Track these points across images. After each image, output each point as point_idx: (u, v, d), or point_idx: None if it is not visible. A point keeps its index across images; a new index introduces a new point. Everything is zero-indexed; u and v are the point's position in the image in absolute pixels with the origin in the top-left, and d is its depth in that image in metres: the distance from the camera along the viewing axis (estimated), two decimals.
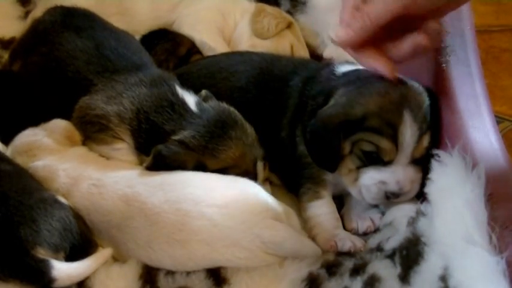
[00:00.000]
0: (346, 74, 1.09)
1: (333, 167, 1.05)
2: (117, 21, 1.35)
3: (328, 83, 1.10)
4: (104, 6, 1.44)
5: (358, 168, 1.03)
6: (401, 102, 0.99)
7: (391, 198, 1.02)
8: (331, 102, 1.04)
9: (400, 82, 1.02)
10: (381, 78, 1.01)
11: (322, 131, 1.02)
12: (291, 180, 1.14)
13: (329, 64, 1.19)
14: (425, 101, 1.02)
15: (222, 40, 1.50)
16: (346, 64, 1.14)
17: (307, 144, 1.07)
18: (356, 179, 1.03)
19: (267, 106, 1.17)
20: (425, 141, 1.00)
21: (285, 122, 1.14)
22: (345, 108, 1.01)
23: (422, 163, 1.01)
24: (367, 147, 1.00)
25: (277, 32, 1.48)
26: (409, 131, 0.98)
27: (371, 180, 1.01)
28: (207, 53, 1.46)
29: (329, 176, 1.09)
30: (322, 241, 1.03)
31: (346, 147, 1.02)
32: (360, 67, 1.08)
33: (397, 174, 1.00)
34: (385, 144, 0.98)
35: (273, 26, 1.47)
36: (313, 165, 1.09)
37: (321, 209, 1.08)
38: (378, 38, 0.97)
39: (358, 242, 1.02)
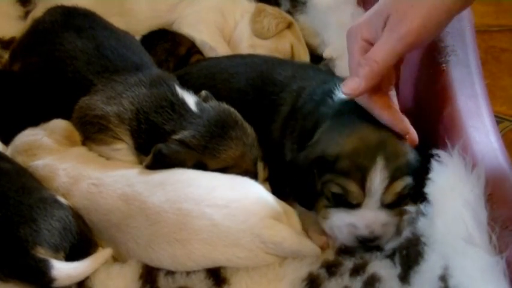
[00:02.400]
0: (341, 104, 1.06)
1: (310, 205, 1.03)
2: (117, 22, 1.35)
3: (320, 106, 1.08)
4: (104, 7, 1.44)
5: (328, 208, 1.00)
6: (377, 147, 0.96)
7: (364, 242, 0.98)
8: (315, 137, 1.03)
9: (387, 128, 0.99)
10: (369, 117, 0.99)
11: (298, 168, 1.02)
12: (276, 181, 1.13)
13: (331, 79, 1.16)
14: (407, 151, 0.98)
15: (223, 40, 1.50)
16: None
17: (287, 179, 1.07)
18: (328, 218, 1.00)
19: (262, 110, 1.16)
20: (398, 187, 0.96)
21: (276, 128, 1.14)
22: (322, 146, 1.00)
23: (400, 205, 0.98)
24: (335, 189, 0.98)
25: (277, 32, 1.48)
26: (378, 177, 0.95)
27: (341, 222, 0.98)
28: (208, 53, 1.46)
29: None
30: (314, 237, 1.03)
31: (318, 186, 1.00)
32: None
33: (366, 218, 0.97)
34: (352, 187, 0.96)
35: (273, 26, 1.47)
36: None
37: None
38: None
39: None
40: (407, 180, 0.97)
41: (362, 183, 0.95)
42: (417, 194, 0.98)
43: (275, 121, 1.14)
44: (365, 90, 0.96)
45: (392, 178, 0.96)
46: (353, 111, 1.02)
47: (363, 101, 1.00)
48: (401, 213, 0.98)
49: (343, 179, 0.96)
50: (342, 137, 0.99)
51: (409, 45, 0.92)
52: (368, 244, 0.98)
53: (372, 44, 0.96)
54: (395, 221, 0.98)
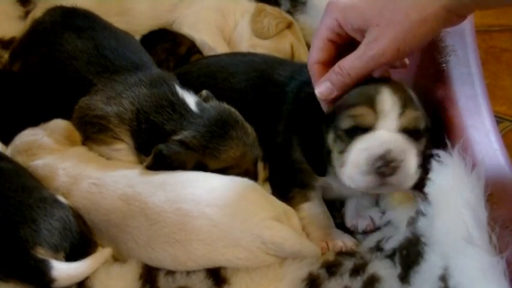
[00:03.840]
0: None
1: (323, 168, 1.01)
2: (117, 22, 1.35)
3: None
4: (104, 7, 1.44)
5: (343, 153, 0.96)
6: (379, 85, 0.96)
7: (384, 171, 0.91)
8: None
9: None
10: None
11: (308, 129, 1.02)
12: (280, 185, 1.13)
13: None
14: (413, 94, 0.98)
15: (222, 40, 1.50)
16: None
17: (302, 147, 1.05)
18: (344, 164, 0.96)
19: (263, 110, 1.16)
20: (413, 113, 0.94)
21: (280, 129, 1.13)
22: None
23: (417, 139, 0.95)
24: (346, 124, 0.95)
25: (277, 32, 1.48)
26: (389, 99, 0.93)
27: (356, 153, 0.93)
28: (207, 52, 1.46)
29: (319, 182, 1.09)
30: (315, 241, 1.03)
31: (329, 138, 0.99)
32: None
33: (380, 136, 0.93)
34: (362, 110, 0.94)
35: (273, 26, 1.47)
36: (305, 172, 1.07)
37: (311, 210, 1.08)
38: None
39: (349, 241, 1.02)
40: (421, 114, 0.96)
41: (372, 106, 0.94)
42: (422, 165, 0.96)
43: (279, 122, 1.14)
44: (337, 97, 0.98)
45: (405, 104, 0.94)
46: None
47: (310, 70, 1.01)
48: (417, 150, 0.94)
49: (351, 109, 0.95)
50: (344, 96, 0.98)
51: (382, 64, 0.93)
52: (387, 173, 0.91)
53: (339, 33, 0.97)
54: (415, 151, 0.93)
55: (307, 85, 1.11)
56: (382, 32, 0.90)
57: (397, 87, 0.96)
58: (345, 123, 0.95)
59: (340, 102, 0.98)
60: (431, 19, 0.88)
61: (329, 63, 0.99)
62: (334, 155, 0.98)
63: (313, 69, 1.00)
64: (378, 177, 0.92)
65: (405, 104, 0.94)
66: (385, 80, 0.99)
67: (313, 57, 1.00)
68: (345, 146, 0.95)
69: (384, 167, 0.91)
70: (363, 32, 0.93)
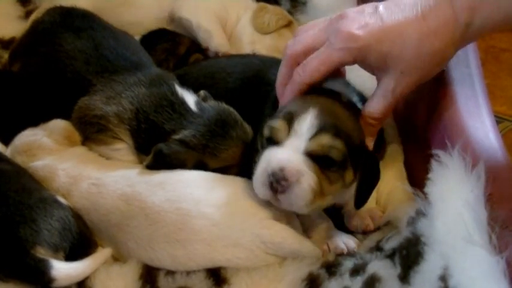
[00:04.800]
0: (322, 90, 1.06)
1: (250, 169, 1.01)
2: (121, 13, 1.36)
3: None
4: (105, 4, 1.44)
5: (259, 156, 0.98)
6: (315, 103, 0.96)
7: (275, 187, 0.92)
8: None
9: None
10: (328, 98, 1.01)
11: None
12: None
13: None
14: (350, 124, 0.97)
15: (219, 26, 1.50)
16: (336, 81, 1.09)
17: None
18: (257, 165, 0.97)
19: (256, 109, 1.16)
20: (326, 140, 0.93)
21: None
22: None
23: (326, 168, 0.94)
24: (266, 132, 0.97)
25: (277, 27, 1.49)
26: (306, 121, 0.93)
27: (260, 163, 0.95)
28: (203, 36, 1.46)
29: None
30: (316, 244, 1.03)
31: (258, 140, 1.01)
32: (344, 88, 1.08)
33: (280, 153, 0.94)
34: (277, 124, 0.95)
35: (273, 21, 1.48)
36: None
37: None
38: None
39: (351, 243, 1.02)
40: (338, 143, 0.93)
41: (290, 124, 0.95)
42: (359, 194, 0.97)
43: (263, 120, 1.14)
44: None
45: (321, 129, 0.93)
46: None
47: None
48: (323, 180, 0.94)
49: (275, 120, 0.96)
50: (292, 100, 1.01)
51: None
52: (277, 195, 0.93)
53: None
54: (312, 178, 0.93)
55: None
56: (405, 77, 0.95)
57: (329, 111, 0.96)
58: (265, 131, 0.97)
59: (280, 107, 1.00)
60: (447, 62, 1.00)
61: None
62: (256, 158, 1.00)
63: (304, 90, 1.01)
64: (271, 192, 0.94)
65: (323, 129, 0.94)
66: (333, 97, 1.00)
67: (314, 79, 1.00)
68: (260, 151, 0.98)
69: (275, 183, 0.93)
70: (380, 71, 0.98)
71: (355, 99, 1.06)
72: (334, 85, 1.06)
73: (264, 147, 0.98)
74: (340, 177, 0.96)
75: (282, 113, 0.97)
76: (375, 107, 0.99)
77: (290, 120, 0.95)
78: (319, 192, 0.94)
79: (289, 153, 0.93)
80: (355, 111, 1.02)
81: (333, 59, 0.97)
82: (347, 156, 0.95)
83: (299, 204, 0.94)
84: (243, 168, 1.08)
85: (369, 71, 1.02)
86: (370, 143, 1.01)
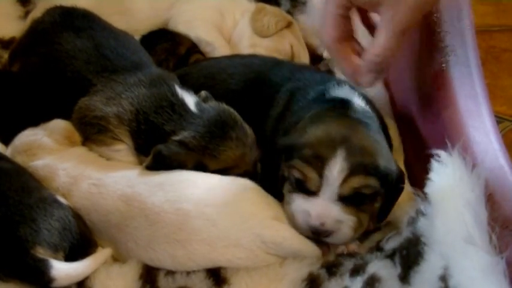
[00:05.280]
0: (332, 100, 1.08)
1: (275, 190, 1.04)
2: (117, 21, 1.35)
3: (312, 105, 1.09)
4: (104, 6, 1.44)
5: (291, 193, 1.01)
6: (342, 140, 0.96)
7: (317, 234, 0.98)
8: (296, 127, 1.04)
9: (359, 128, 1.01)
10: (346, 116, 1.02)
11: (271, 153, 1.05)
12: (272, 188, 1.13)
13: (328, 80, 1.16)
14: (378, 155, 0.98)
15: (221, 36, 1.50)
16: (341, 86, 1.11)
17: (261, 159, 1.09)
18: (290, 203, 1.01)
19: (258, 111, 1.16)
20: (356, 182, 0.95)
21: (268, 128, 1.14)
22: (294, 136, 1.02)
23: (360, 205, 0.97)
24: (297, 175, 0.98)
25: (277, 30, 1.48)
26: (336, 167, 0.95)
27: (298, 207, 0.98)
28: (205, 48, 1.46)
29: None
30: (316, 244, 1.03)
31: (285, 170, 1.01)
32: (350, 93, 1.08)
33: (319, 207, 0.97)
34: (310, 173, 0.96)
35: (272, 24, 1.47)
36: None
37: None
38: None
39: (351, 244, 1.02)
40: (370, 181, 0.96)
41: (321, 171, 0.96)
42: (383, 210, 1.00)
43: (267, 122, 1.14)
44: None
45: (352, 172, 0.95)
46: (339, 108, 1.04)
47: (330, 50, 1.03)
48: (360, 215, 0.98)
49: (305, 165, 0.97)
50: (311, 128, 1.00)
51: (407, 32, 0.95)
52: (321, 238, 0.98)
53: (348, 7, 0.99)
54: (351, 220, 0.97)
55: (300, 92, 1.12)
56: (400, 3, 0.92)
57: (354, 147, 0.96)
58: (296, 173, 0.98)
59: (299, 138, 0.99)
60: None
61: (347, 38, 1.01)
62: (285, 187, 1.02)
63: (334, 48, 1.01)
64: (311, 233, 0.98)
65: (354, 171, 0.95)
66: (353, 126, 1.00)
67: (330, 36, 1.00)
68: (291, 189, 1.00)
69: (317, 234, 0.98)
70: (375, 5, 0.95)
71: (363, 103, 1.07)
72: (341, 92, 1.08)
73: (292, 185, 1.00)
74: (372, 205, 1.00)
75: (310, 155, 0.97)
76: (379, 41, 0.96)
77: (321, 168, 0.95)
78: (358, 226, 0.98)
79: (325, 205, 0.96)
80: (374, 129, 1.02)
81: (331, 8, 0.99)
82: (379, 187, 0.97)
83: (342, 240, 0.99)
84: (256, 176, 1.09)
85: (370, 10, 1.02)
86: (368, 81, 1.00)
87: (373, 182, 0.96)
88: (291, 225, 1.00)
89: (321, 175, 0.96)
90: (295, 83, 1.16)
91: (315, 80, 1.16)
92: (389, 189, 0.99)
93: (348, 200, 0.96)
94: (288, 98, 1.14)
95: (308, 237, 0.99)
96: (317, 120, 1.02)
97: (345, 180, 0.95)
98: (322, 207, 0.96)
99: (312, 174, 0.96)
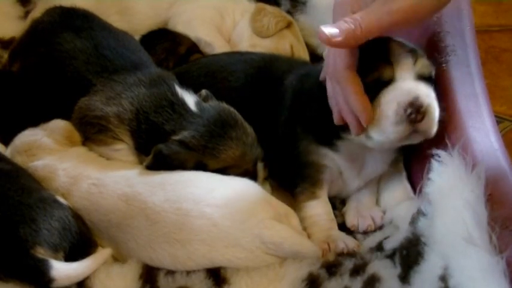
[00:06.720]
0: None
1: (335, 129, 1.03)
2: (117, 21, 1.35)
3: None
4: (104, 6, 1.44)
5: (374, 104, 0.98)
6: (385, 37, 0.99)
7: (414, 117, 0.94)
8: None
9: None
10: None
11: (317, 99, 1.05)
12: (287, 181, 1.13)
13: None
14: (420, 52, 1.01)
15: (220, 36, 1.50)
16: None
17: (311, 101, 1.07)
18: (378, 107, 0.97)
19: (263, 106, 1.16)
20: (426, 62, 0.99)
21: (282, 121, 1.13)
22: None
23: (431, 85, 0.99)
24: (369, 77, 0.97)
25: (276, 30, 1.48)
26: (399, 49, 0.98)
27: (385, 106, 0.96)
28: (204, 48, 1.46)
29: (326, 175, 1.09)
30: (316, 242, 1.03)
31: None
32: None
33: (405, 85, 0.96)
34: (378, 64, 0.97)
35: (272, 24, 1.47)
36: (312, 165, 1.08)
37: (316, 210, 1.08)
38: None
39: (351, 243, 1.02)
40: (428, 61, 1.00)
41: (387, 58, 0.97)
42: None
43: (281, 113, 1.14)
44: (339, 44, 0.91)
45: (416, 52, 0.98)
46: None
47: (340, 74, 0.97)
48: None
49: (370, 63, 0.97)
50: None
51: (395, 23, 0.91)
52: (418, 119, 0.94)
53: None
54: (435, 97, 0.98)
55: (308, 77, 1.11)
56: None
57: (399, 40, 1.00)
58: (369, 76, 0.97)
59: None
60: None
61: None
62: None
63: (345, 77, 0.98)
64: (409, 125, 0.95)
65: (416, 52, 0.99)
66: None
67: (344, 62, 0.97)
68: (373, 98, 0.98)
69: (414, 113, 0.94)
70: None
71: None
72: None
73: (369, 95, 0.97)
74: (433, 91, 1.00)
75: (369, 55, 0.96)
76: (361, 13, 0.92)
77: (384, 55, 0.97)
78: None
79: (410, 83, 0.97)
80: None
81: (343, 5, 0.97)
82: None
83: (434, 124, 0.97)
84: (256, 175, 1.09)
85: None
86: (330, 29, 0.92)
87: (429, 62, 1.00)
88: (388, 133, 0.96)
89: (391, 62, 0.97)
90: (297, 73, 1.16)
91: (317, 68, 1.16)
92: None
93: (423, 80, 0.98)
94: (295, 85, 1.14)
95: (403, 133, 0.96)
96: None
97: (416, 61, 0.97)
98: (409, 83, 0.97)
99: (381, 63, 0.97)
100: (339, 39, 0.90)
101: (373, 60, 0.97)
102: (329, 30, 0.90)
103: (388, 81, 0.97)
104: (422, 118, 0.95)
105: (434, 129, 0.98)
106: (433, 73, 1.02)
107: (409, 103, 0.94)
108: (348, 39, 0.90)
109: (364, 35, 0.90)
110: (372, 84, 0.97)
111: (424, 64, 0.99)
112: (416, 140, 0.99)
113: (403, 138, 0.97)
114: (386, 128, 0.96)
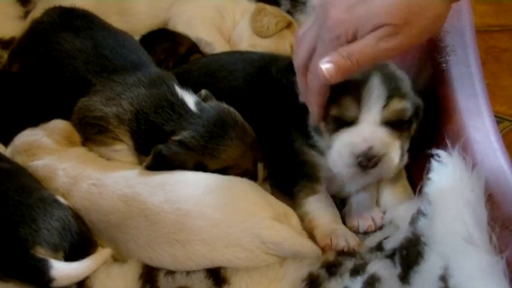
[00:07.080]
0: None
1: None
2: (116, 21, 1.36)
3: None
4: (104, 6, 1.44)
5: (331, 136, 1.00)
6: (374, 69, 0.97)
7: (364, 164, 0.95)
8: None
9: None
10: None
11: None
12: (286, 180, 1.13)
13: None
14: (406, 80, 1.00)
15: (220, 35, 1.50)
16: None
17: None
18: (330, 148, 1.00)
19: (263, 106, 1.16)
20: (398, 105, 0.97)
21: (279, 120, 1.14)
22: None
23: (401, 129, 0.98)
24: (333, 111, 0.98)
25: (277, 30, 1.48)
26: (374, 91, 0.95)
27: (340, 144, 0.98)
28: (204, 48, 1.46)
29: (324, 173, 1.09)
30: (320, 236, 1.03)
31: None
32: None
33: (362, 132, 0.96)
34: (346, 102, 0.96)
35: (272, 24, 1.47)
36: (309, 163, 1.09)
37: (318, 203, 1.08)
38: None
39: (353, 241, 1.02)
40: (407, 104, 0.98)
41: (357, 98, 0.96)
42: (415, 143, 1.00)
43: (278, 112, 1.14)
44: (335, 80, 0.91)
45: (390, 95, 0.96)
46: None
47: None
48: (402, 140, 0.98)
49: (340, 97, 0.97)
50: None
51: (390, 58, 0.94)
52: (369, 166, 0.95)
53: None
54: (398, 144, 0.97)
55: None
56: (399, 29, 0.89)
57: (386, 74, 0.98)
58: (333, 110, 0.98)
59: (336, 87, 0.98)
60: (444, 15, 0.91)
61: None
62: (325, 134, 1.03)
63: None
64: (360, 169, 0.97)
65: (391, 94, 0.97)
66: (380, 64, 1.00)
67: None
68: (331, 131, 1.00)
69: (366, 162, 0.96)
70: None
71: None
72: None
73: (332, 126, 0.99)
74: (409, 133, 1.00)
75: (342, 88, 0.95)
76: (358, 49, 0.90)
77: (356, 94, 0.95)
78: (401, 153, 0.98)
79: (370, 129, 0.96)
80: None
81: (328, 52, 0.94)
82: (413, 113, 0.99)
83: (389, 172, 0.98)
84: (256, 175, 1.09)
85: None
86: (328, 67, 0.91)
87: (409, 105, 0.98)
88: (338, 169, 0.98)
89: (358, 101, 0.96)
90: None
91: None
92: (417, 118, 1.00)
93: (390, 125, 0.97)
94: (292, 85, 1.13)
95: (353, 174, 0.97)
96: None
97: (385, 104, 0.96)
98: (366, 131, 0.96)
99: (347, 102, 0.96)
100: (336, 76, 0.91)
101: (344, 92, 0.96)
102: (326, 66, 0.91)
103: (351, 122, 0.97)
104: (374, 166, 0.96)
105: (390, 174, 0.99)
106: (408, 116, 0.99)
107: (361, 152, 0.96)
108: (343, 74, 0.91)
109: (357, 69, 0.91)
110: (336, 119, 0.99)
111: (394, 109, 0.97)
112: (369, 180, 1.03)
113: (354, 178, 0.99)
114: (338, 165, 0.99)
